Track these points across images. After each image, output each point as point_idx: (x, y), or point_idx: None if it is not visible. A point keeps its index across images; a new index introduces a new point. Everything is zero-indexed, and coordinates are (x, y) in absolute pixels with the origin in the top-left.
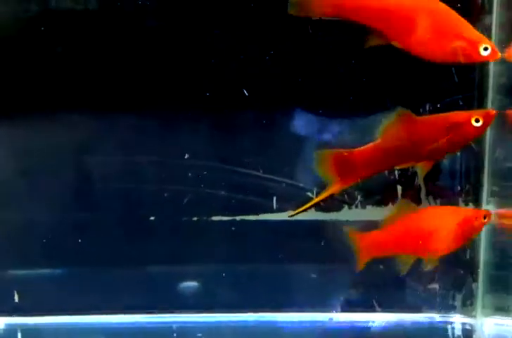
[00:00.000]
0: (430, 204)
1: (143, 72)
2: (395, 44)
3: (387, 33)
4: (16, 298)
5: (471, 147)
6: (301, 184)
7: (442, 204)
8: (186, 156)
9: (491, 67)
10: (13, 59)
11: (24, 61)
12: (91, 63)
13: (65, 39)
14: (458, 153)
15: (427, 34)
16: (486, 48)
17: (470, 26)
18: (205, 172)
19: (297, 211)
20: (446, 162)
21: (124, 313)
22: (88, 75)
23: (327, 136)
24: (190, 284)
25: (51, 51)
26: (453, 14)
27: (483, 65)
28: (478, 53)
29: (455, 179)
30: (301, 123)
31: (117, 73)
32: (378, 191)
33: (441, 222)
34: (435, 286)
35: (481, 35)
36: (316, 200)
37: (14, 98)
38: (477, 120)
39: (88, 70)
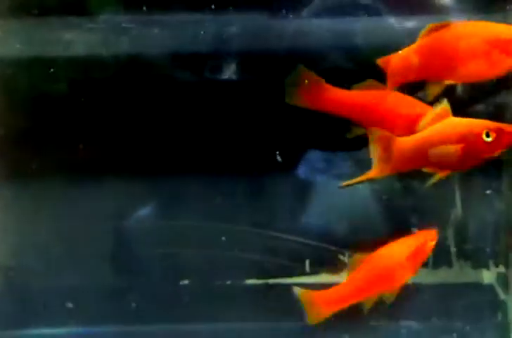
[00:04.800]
0: (462, 268)
1: (180, 139)
2: None
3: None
4: None
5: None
6: (333, 247)
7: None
8: (220, 220)
9: None
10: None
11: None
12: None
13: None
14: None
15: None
16: None
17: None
18: (239, 236)
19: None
20: (476, 224)
21: None
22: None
23: (360, 201)
24: None
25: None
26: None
27: None
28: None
29: (485, 241)
30: (333, 188)
31: (156, 139)
32: None
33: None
34: None
35: None
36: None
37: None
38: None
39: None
